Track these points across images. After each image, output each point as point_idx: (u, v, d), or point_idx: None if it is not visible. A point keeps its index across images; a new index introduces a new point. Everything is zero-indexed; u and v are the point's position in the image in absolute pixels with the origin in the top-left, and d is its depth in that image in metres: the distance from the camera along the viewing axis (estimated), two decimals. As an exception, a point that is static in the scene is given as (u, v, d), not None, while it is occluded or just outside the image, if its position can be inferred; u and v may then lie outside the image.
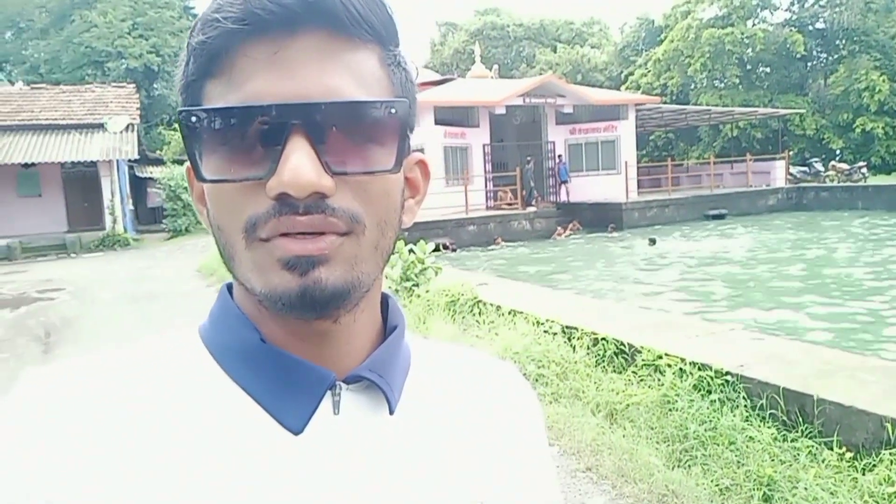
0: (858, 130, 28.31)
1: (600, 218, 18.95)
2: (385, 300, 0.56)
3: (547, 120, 21.76)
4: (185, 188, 19.38)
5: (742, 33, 30.35)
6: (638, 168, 23.14)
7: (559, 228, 18.60)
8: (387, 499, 0.47)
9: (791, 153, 26.22)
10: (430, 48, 50.33)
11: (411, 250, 6.93)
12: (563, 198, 20.96)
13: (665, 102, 26.99)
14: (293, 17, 0.43)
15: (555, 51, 42.01)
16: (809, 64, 32.16)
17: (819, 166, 23.79)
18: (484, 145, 20.30)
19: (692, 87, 33.02)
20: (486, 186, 20.12)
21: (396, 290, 6.86)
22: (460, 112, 19.99)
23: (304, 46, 0.44)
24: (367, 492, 0.47)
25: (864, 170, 23.11)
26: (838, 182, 22.69)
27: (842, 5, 29.87)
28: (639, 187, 22.49)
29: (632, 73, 36.23)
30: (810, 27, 31.34)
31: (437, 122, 19.06)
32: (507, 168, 20.38)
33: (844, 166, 23.51)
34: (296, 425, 0.47)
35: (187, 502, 0.42)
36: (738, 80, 31.20)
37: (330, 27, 0.44)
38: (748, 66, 32.01)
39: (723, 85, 32.12)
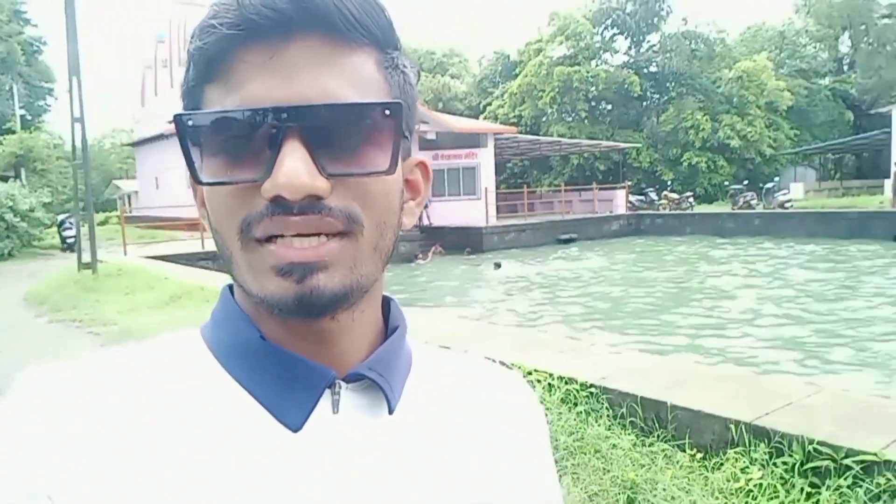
0: (686, 164, 31.67)
1: (462, 241, 19.59)
2: (387, 302, 0.56)
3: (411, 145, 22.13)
4: (10, 207, 17.45)
5: (587, 72, 32.91)
6: (497, 194, 24.22)
7: (419, 253, 18.86)
8: (384, 498, 0.47)
9: (630, 183, 28.70)
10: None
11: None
12: (425, 221, 21.34)
13: (521, 133, 28.44)
14: (288, 22, 0.43)
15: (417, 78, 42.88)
16: (644, 103, 35.51)
17: (653, 195, 26.30)
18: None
19: (544, 118, 35.13)
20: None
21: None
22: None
23: (300, 51, 0.44)
24: (365, 491, 0.47)
25: (691, 199, 25.89)
26: (670, 210, 25.19)
27: (671, 52, 33.47)
28: (497, 212, 23.49)
29: (489, 104, 37.86)
30: (645, 70, 34.74)
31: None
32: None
33: (675, 196, 26.13)
34: (295, 423, 0.47)
35: (187, 499, 0.43)
36: (584, 115, 33.70)
37: (325, 31, 0.44)
38: (593, 102, 34.71)
39: (571, 118, 34.54)
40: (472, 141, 22.73)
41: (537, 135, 30.90)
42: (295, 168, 0.42)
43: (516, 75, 36.32)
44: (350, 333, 0.50)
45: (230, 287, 0.54)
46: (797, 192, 26.93)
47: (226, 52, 0.45)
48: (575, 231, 21.98)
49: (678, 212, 24.59)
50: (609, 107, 35.27)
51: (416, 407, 0.52)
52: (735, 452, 3.05)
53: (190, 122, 0.45)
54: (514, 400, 0.59)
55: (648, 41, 35.84)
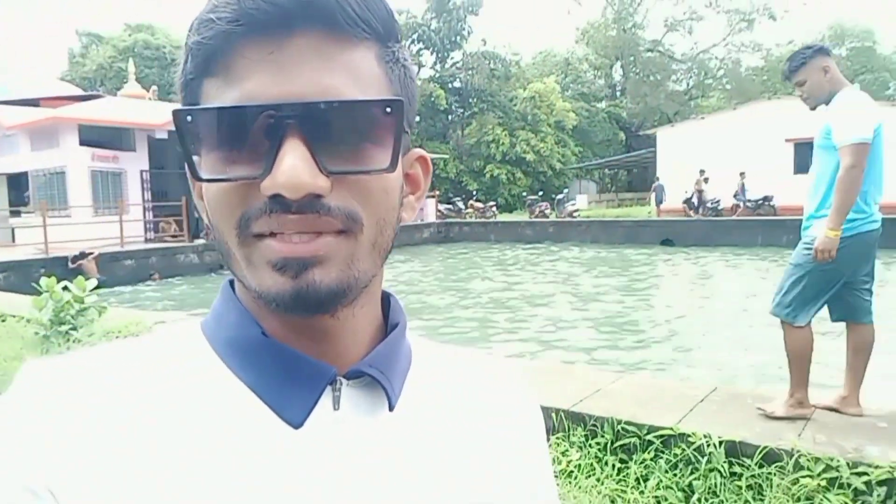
0: (488, 175, 33.82)
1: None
2: (386, 298, 0.56)
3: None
4: None
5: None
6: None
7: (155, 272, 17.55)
8: (385, 495, 0.47)
9: (439, 192, 29.88)
10: (68, 59, 44.05)
11: (66, 287, 5.88)
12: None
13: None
14: (288, 17, 0.43)
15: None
16: (450, 116, 37.33)
17: (461, 204, 27.66)
18: (142, 171, 18.35)
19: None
20: (144, 216, 18.18)
21: (46, 337, 5.73)
22: (112, 133, 17.88)
23: (300, 46, 0.43)
24: (365, 487, 0.47)
25: (494, 208, 27.65)
26: (476, 218, 26.64)
27: (473, 69, 35.53)
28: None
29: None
30: (450, 85, 36.50)
31: (82, 143, 16.78)
32: (168, 197, 18.71)
33: (480, 205, 27.72)
34: (295, 419, 0.47)
35: (187, 494, 0.43)
36: (394, 125, 34.42)
37: (326, 26, 0.44)
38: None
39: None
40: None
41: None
42: (295, 166, 0.41)
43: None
44: (350, 330, 0.50)
45: (231, 282, 0.53)
46: (582, 202, 30.06)
47: (225, 47, 0.44)
48: (387, 239, 22.30)
49: (483, 220, 26.10)
50: (418, 118, 36.36)
51: (417, 404, 0.52)
52: (556, 438, 3.31)
53: (189, 118, 0.44)
54: (512, 396, 0.59)
55: (452, 58, 37.71)
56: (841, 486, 2.62)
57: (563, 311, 10.45)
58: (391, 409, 0.50)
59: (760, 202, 21.07)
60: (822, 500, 2.60)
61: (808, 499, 2.63)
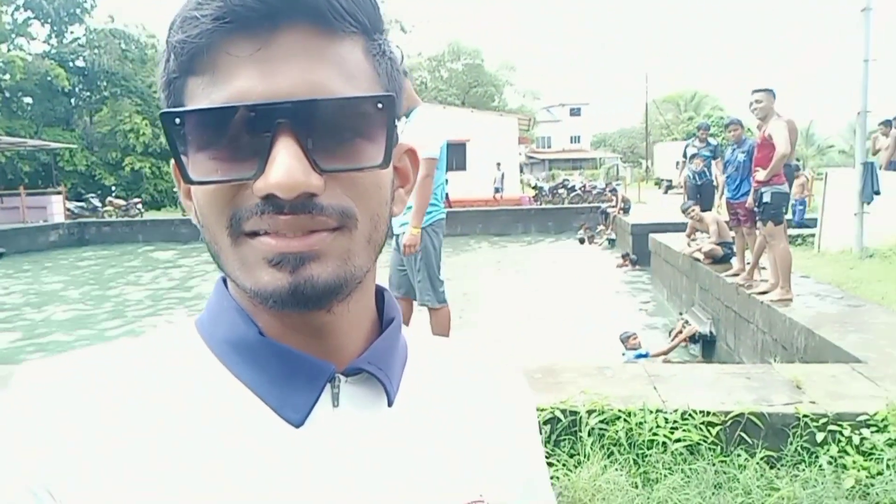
0: (128, 169, 30.19)
1: None
2: (381, 293, 0.55)
3: None
4: None
5: (-2, 56, 27.78)
6: None
7: None
8: (386, 490, 0.48)
9: (66, 188, 25.70)
10: None
11: None
12: None
13: None
14: (274, 13, 0.42)
15: None
16: (74, 100, 32.21)
17: (96, 202, 24.21)
18: None
19: (-64, 107, 28.01)
20: None
21: None
22: None
23: (287, 42, 0.43)
24: (366, 484, 0.47)
25: (140, 205, 24.92)
26: (117, 217, 23.70)
27: (100, 48, 31.22)
28: None
29: None
30: (72, 64, 31.39)
31: None
32: None
33: (121, 202, 24.71)
34: (296, 418, 0.47)
35: (188, 494, 0.43)
36: (-3, 107, 28.38)
37: (312, 21, 0.43)
38: (8, 94, 29.52)
39: (-23, 110, 28.56)
40: None
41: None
42: (288, 165, 0.41)
43: None
44: (346, 326, 0.50)
45: (224, 279, 0.52)
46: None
47: (210, 45, 0.42)
48: (3, 245, 18.41)
49: (127, 219, 23.38)
50: (30, 100, 30.58)
51: (414, 399, 0.53)
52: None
53: (177, 120, 0.43)
54: (507, 389, 0.60)
55: (73, 33, 32.59)
56: (518, 430, 3.20)
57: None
58: (390, 404, 0.51)
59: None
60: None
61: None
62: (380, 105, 0.44)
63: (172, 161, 0.48)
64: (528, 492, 0.59)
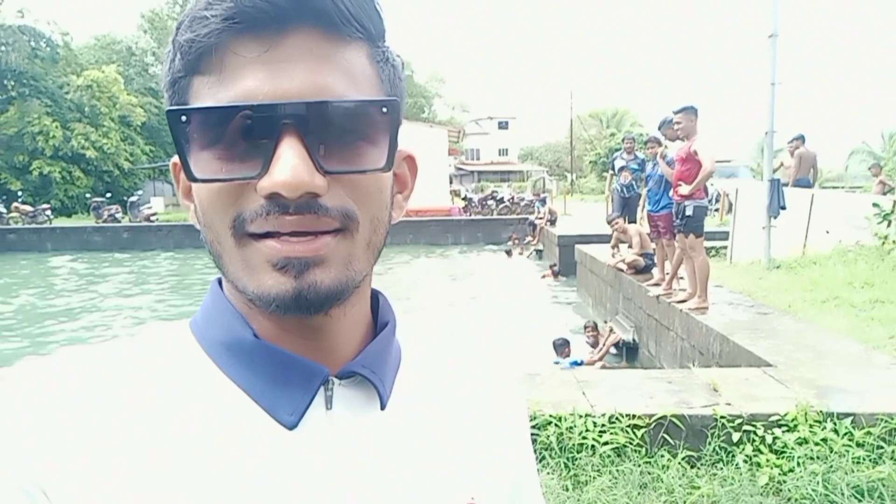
0: (36, 173, 28.49)
1: None
2: (375, 297, 0.56)
3: None
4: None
5: None
6: None
7: None
8: (379, 493, 0.48)
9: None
10: None
11: None
12: None
13: None
14: (283, 15, 0.43)
15: None
16: (-25, 99, 30.11)
17: (1, 207, 22.74)
18: None
19: None
20: None
21: None
22: None
23: (295, 45, 0.43)
24: (359, 486, 0.48)
25: (49, 212, 23.53)
26: (24, 224, 22.30)
27: (7, 45, 29.37)
28: None
29: None
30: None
31: None
32: None
33: (28, 208, 23.29)
34: (290, 420, 0.47)
35: (181, 495, 0.43)
36: None
37: (320, 25, 0.44)
38: None
39: None
40: None
41: None
42: (293, 165, 0.41)
43: None
44: (341, 329, 0.50)
45: (220, 280, 0.51)
46: (159, 205, 27.96)
47: (219, 45, 0.43)
48: None
49: (35, 226, 22.01)
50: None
51: (408, 401, 0.53)
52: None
53: (183, 118, 0.43)
54: (499, 391, 0.60)
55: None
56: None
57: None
58: (383, 407, 0.51)
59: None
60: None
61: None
62: (384, 109, 0.45)
63: (172, 160, 0.48)
64: (518, 494, 0.59)
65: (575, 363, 6.89)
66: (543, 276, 13.61)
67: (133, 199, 25.03)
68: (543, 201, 19.65)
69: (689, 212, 5.78)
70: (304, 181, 0.41)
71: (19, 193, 26.66)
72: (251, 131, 0.42)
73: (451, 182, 27.95)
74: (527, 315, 10.24)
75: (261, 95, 0.42)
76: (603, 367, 7.01)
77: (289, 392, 0.47)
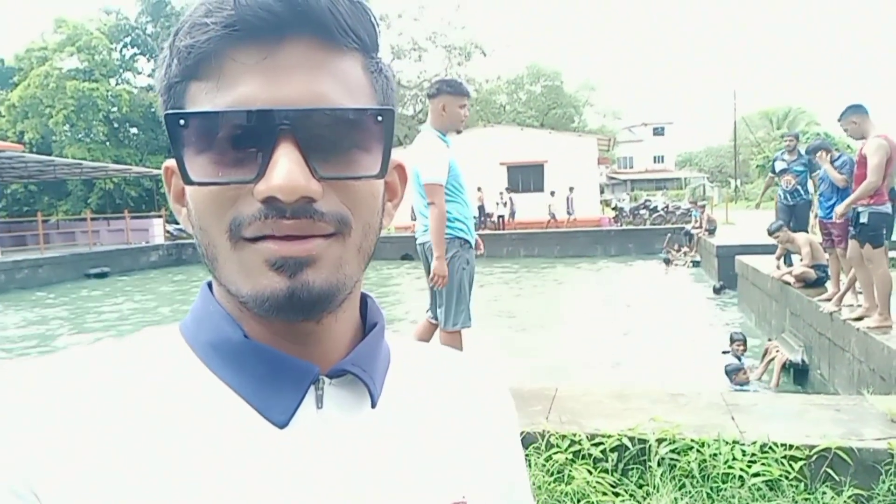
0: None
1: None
2: (364, 299, 0.56)
3: None
4: None
5: (107, 91, 30.12)
6: (-1, 224, 19.95)
7: None
8: (370, 491, 0.48)
9: (167, 212, 27.40)
10: None
11: None
12: None
13: (27, 152, 24.17)
14: (282, 24, 0.44)
15: None
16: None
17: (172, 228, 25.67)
18: None
19: (54, 138, 30.57)
20: None
21: None
22: None
23: (293, 53, 0.44)
24: (350, 484, 0.48)
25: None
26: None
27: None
28: (1, 246, 19.39)
29: (-24, 115, 30.98)
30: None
31: None
32: None
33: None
34: (280, 419, 0.47)
35: (172, 495, 0.43)
36: (105, 137, 30.68)
37: (317, 34, 0.45)
38: (116, 124, 31.95)
39: (90, 139, 30.99)
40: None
41: (51, 156, 26.67)
42: (289, 170, 0.42)
43: (15, 85, 30.71)
44: (332, 334, 0.51)
45: (209, 284, 0.52)
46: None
47: (218, 51, 0.44)
48: (107, 264, 19.84)
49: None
50: (135, 130, 32.96)
51: (397, 401, 0.54)
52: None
53: (181, 121, 0.43)
54: (488, 392, 0.61)
55: (174, 67, 34.82)
56: (583, 457, 3.10)
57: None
58: (373, 406, 0.51)
59: (483, 219, 23.38)
60: (570, 470, 3.04)
61: (559, 472, 3.06)
62: (379, 118, 0.46)
63: (164, 164, 0.49)
64: (509, 494, 0.59)
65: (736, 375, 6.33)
66: (718, 290, 12.24)
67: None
68: (703, 207, 18.40)
69: (863, 219, 5.12)
70: (300, 185, 0.42)
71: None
72: (248, 136, 0.43)
73: (601, 192, 27.17)
74: (680, 329, 9.64)
75: (258, 101, 0.43)
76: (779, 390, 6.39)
77: (279, 391, 0.48)
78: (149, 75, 34.70)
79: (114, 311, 13.53)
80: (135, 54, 34.06)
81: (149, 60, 34.31)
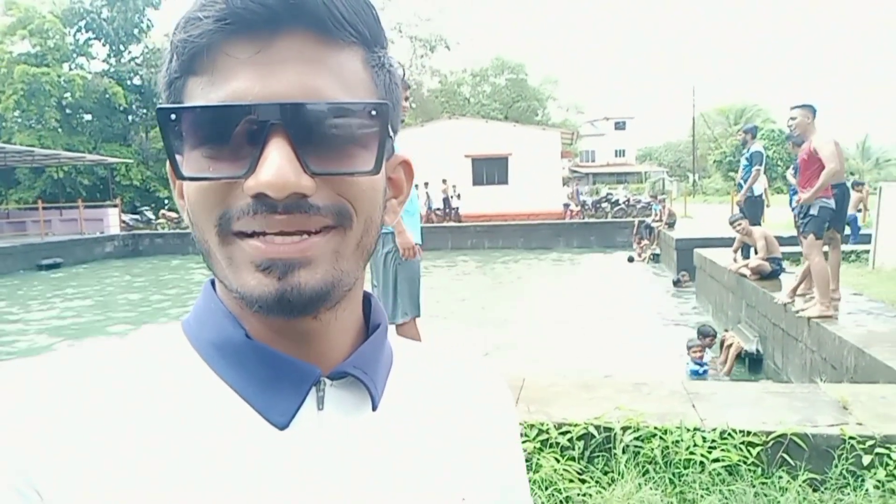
0: (180, 183, 31.10)
1: None
2: (367, 299, 0.56)
3: None
4: None
5: (59, 76, 29.09)
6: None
7: None
8: (370, 493, 0.48)
9: (123, 201, 26.71)
10: None
11: None
12: None
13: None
14: (275, 18, 0.43)
15: None
16: (131, 117, 33.43)
17: (150, 214, 25.14)
18: None
19: (4, 124, 29.39)
20: None
21: None
22: None
23: (286, 47, 0.44)
24: (350, 486, 0.48)
25: (190, 218, 25.66)
26: (170, 229, 24.48)
27: (157, 67, 32.27)
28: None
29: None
30: (129, 82, 32.66)
31: None
32: None
33: (174, 214, 25.49)
34: (281, 420, 0.47)
35: (173, 495, 0.43)
36: (57, 124, 29.66)
37: (313, 28, 0.44)
38: (68, 111, 30.87)
39: (41, 126, 29.89)
40: None
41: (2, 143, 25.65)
42: (279, 166, 0.41)
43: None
44: (332, 331, 0.50)
45: (212, 282, 0.52)
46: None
47: (211, 46, 0.43)
48: (60, 255, 19.21)
49: (180, 231, 24.12)
50: (89, 117, 31.90)
51: (399, 403, 0.54)
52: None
53: (173, 116, 0.43)
54: (489, 394, 0.61)
55: (130, 52, 33.90)
56: (551, 446, 3.16)
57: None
58: (374, 408, 0.51)
59: (448, 210, 23.42)
60: (538, 458, 3.09)
61: (527, 460, 3.11)
62: (373, 113, 0.45)
63: (168, 161, 0.49)
64: (508, 495, 0.59)
65: (695, 372, 6.52)
66: (676, 282, 12.52)
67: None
68: (660, 203, 18.78)
69: (813, 210, 5.33)
70: (289, 182, 0.42)
71: (166, 201, 29.33)
72: (240, 131, 0.43)
73: (565, 185, 27.45)
74: (641, 321, 9.86)
75: (250, 96, 0.42)
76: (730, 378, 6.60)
77: (280, 392, 0.47)
78: (104, 60, 33.63)
79: (66, 306, 13.14)
80: (89, 39, 32.88)
81: (104, 45, 33.21)
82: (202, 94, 0.44)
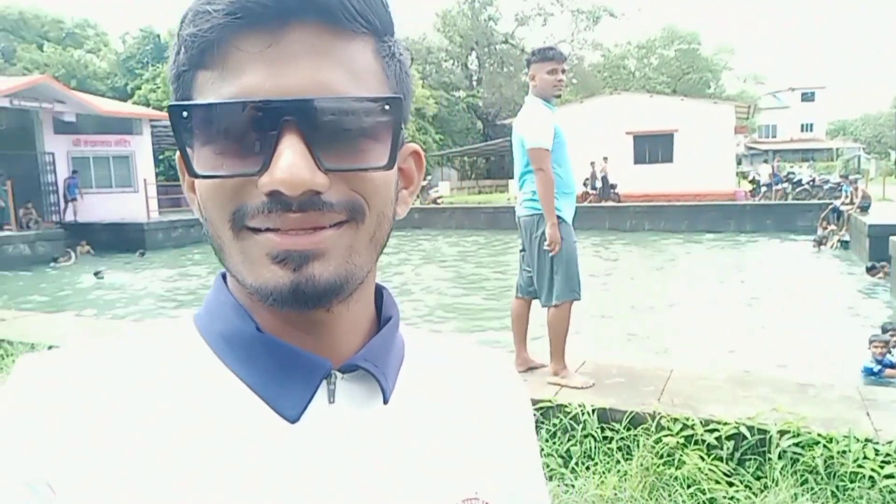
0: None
1: (119, 240, 17.35)
2: (379, 291, 0.56)
3: (42, 127, 18.68)
4: None
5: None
6: (157, 187, 22.02)
7: (62, 254, 15.68)
8: (381, 486, 0.48)
9: None
10: None
11: None
12: (71, 217, 18.41)
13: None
14: (286, 10, 0.42)
15: (42, 49, 36.42)
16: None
17: None
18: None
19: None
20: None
21: None
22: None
23: (297, 40, 0.43)
24: (361, 480, 0.47)
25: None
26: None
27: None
28: (160, 207, 21.45)
29: (139, 87, 34.14)
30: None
31: None
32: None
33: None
34: (292, 413, 0.47)
35: (185, 488, 0.43)
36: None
37: (323, 19, 0.43)
38: None
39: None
40: (122, 126, 20.21)
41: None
42: (293, 163, 0.41)
43: (168, 58, 33.36)
44: (344, 324, 0.50)
45: (224, 275, 0.52)
46: (445, 189, 30.56)
47: (221, 40, 0.43)
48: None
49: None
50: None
51: (410, 396, 0.53)
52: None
53: (185, 114, 0.43)
54: (503, 387, 0.60)
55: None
56: (696, 443, 2.99)
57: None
58: (385, 401, 0.51)
59: (609, 191, 22.57)
60: (681, 455, 2.94)
61: (669, 455, 2.97)
62: (386, 107, 0.44)
63: (178, 153, 0.48)
64: (522, 489, 0.58)
65: (870, 371, 5.78)
66: (870, 269, 10.83)
67: (423, 183, 27.49)
68: (852, 184, 16.63)
69: None
70: (304, 179, 0.41)
71: None
72: (252, 128, 0.42)
73: (739, 163, 25.29)
74: (813, 315, 8.90)
75: (262, 92, 0.42)
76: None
77: (291, 385, 0.47)
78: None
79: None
80: None
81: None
82: (213, 89, 0.44)
